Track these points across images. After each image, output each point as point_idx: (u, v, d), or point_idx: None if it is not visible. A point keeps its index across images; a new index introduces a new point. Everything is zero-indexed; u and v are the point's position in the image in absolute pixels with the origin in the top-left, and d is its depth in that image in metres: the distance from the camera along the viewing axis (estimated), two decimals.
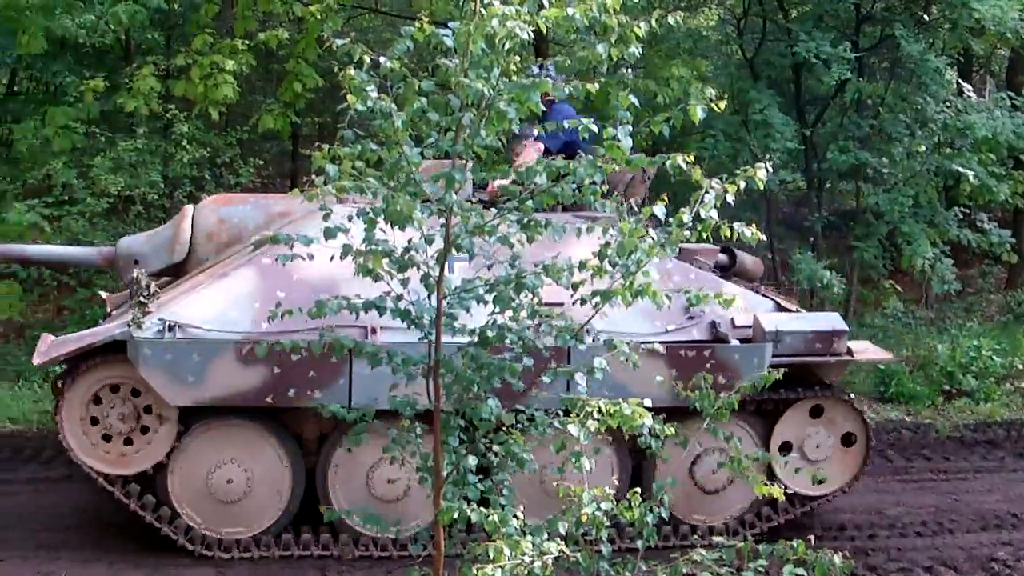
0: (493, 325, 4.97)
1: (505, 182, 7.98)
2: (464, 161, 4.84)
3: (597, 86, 4.85)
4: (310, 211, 7.23)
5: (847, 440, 8.50)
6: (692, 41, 15.54)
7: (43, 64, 15.23)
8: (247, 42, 13.66)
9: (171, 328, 7.30)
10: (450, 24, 4.80)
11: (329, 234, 4.81)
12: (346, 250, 4.81)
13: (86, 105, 13.73)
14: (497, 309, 4.95)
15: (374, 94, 4.69)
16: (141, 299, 7.48)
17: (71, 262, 9.29)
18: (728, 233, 4.78)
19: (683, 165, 4.74)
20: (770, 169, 4.93)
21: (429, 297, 5.01)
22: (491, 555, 4.39)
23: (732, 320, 8.06)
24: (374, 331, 7.24)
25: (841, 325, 8.28)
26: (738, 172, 4.86)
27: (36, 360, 7.76)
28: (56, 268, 12.71)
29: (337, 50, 4.80)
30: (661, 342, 6.53)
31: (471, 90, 4.59)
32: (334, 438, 7.80)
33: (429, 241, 4.86)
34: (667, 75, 13.95)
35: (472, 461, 5.07)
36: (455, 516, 4.74)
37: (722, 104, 4.96)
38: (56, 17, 13.48)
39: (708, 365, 7.68)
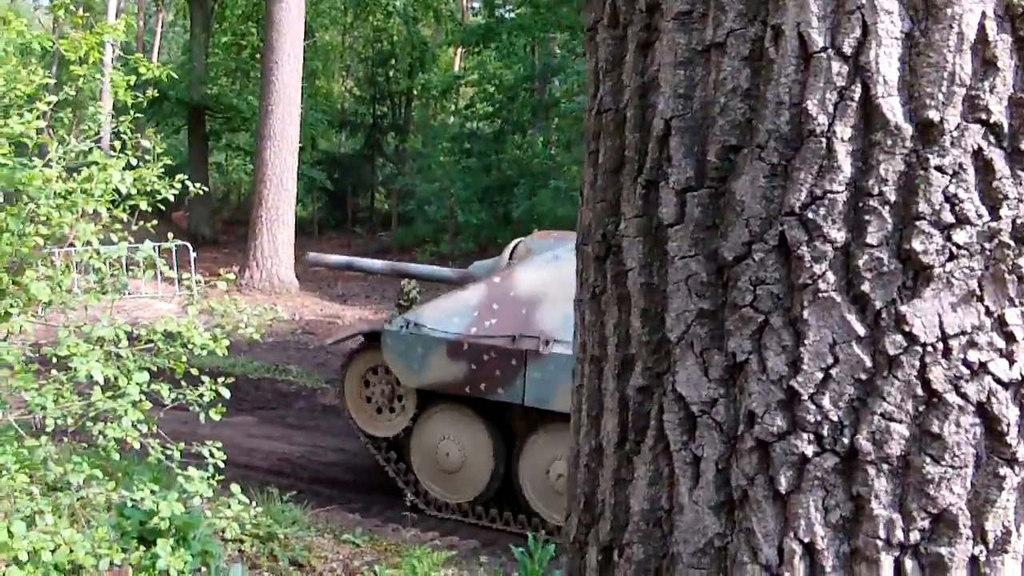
0: None
1: None
2: None
3: None
4: None
5: None
6: None
7: None
8: None
9: (407, 325, 8.87)
10: None
11: None
12: None
13: None
14: None
15: None
16: (401, 303, 9.52)
17: (436, 278, 11.05)
18: None
19: None
20: None
21: None
22: None
23: None
24: (547, 343, 8.28)
25: None
26: None
27: (328, 340, 9.87)
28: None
29: None
30: None
31: None
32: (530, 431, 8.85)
33: None
34: None
35: None
36: None
37: None
38: None
39: None
